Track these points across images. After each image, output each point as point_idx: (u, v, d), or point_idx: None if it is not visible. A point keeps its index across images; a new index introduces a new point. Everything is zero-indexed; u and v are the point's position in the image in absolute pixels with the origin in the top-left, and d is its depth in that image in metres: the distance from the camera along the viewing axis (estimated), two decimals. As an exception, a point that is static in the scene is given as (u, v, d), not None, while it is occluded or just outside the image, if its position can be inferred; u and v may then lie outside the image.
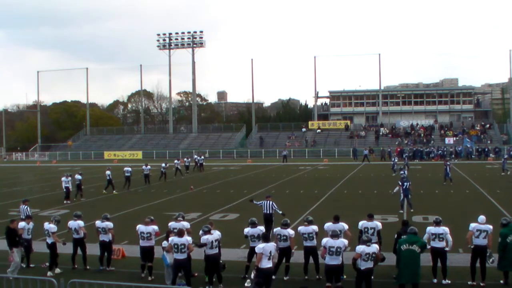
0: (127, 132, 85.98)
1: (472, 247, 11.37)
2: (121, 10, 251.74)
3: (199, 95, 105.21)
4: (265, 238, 10.63)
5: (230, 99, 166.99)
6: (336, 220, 12.10)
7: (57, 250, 12.85)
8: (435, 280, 11.38)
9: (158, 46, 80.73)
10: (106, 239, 12.94)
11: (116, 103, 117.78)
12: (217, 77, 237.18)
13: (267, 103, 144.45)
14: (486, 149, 57.36)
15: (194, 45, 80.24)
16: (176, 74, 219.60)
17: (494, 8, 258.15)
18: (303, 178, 37.86)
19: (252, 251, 11.46)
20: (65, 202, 25.38)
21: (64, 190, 25.93)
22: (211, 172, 44.27)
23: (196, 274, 11.84)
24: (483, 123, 71.07)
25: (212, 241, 11.18)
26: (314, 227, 11.94)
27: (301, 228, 12.01)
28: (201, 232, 11.49)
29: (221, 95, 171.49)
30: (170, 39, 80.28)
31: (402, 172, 26.56)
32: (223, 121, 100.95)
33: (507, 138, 65.14)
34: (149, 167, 34.04)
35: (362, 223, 12.30)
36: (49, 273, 12.27)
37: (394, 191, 22.56)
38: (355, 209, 20.47)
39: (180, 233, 11.18)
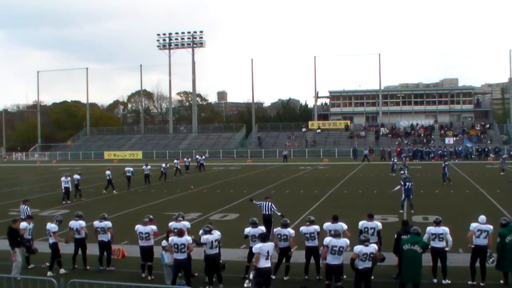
0: (127, 132, 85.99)
1: (472, 246, 11.37)
2: (121, 10, 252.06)
3: (199, 95, 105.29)
4: (263, 238, 10.60)
5: (230, 99, 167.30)
6: (335, 220, 12.11)
7: (60, 250, 12.83)
8: (435, 280, 11.38)
9: (158, 46, 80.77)
10: (105, 239, 12.94)
11: (116, 103, 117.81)
12: (217, 77, 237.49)
13: (267, 103, 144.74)
14: (486, 149, 57.37)
15: (194, 45, 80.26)
16: (176, 74, 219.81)
17: (494, 8, 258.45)
18: (303, 178, 37.87)
19: (252, 251, 11.46)
20: (64, 202, 25.36)
21: (63, 190, 25.92)
22: (211, 172, 44.27)
23: (196, 274, 11.84)
24: (483, 123, 71.08)
25: (212, 241, 11.18)
26: (316, 227, 11.96)
27: (303, 228, 12.02)
28: (201, 231, 11.50)
29: (221, 95, 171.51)
30: (170, 39, 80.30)
31: (402, 171, 26.58)
32: (223, 121, 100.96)
33: (507, 138, 65.14)
34: (149, 167, 34.04)
35: (362, 223, 12.30)
36: (49, 273, 12.27)
37: (395, 189, 22.55)
38: (355, 209, 20.46)
39: (180, 233, 11.18)
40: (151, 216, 13.10)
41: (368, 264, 10.11)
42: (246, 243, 13.07)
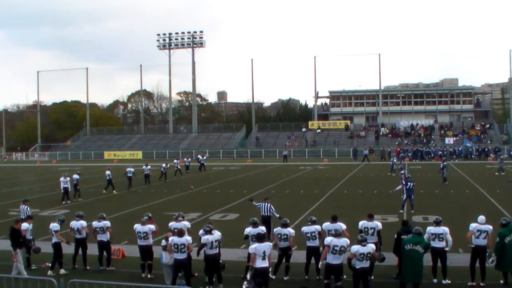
0: (127, 132, 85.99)
1: (472, 246, 11.38)
2: (121, 10, 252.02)
3: (199, 95, 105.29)
4: (259, 238, 10.57)
5: (230, 99, 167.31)
6: (334, 220, 12.11)
7: (62, 250, 12.82)
8: (435, 280, 11.38)
9: (158, 46, 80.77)
10: (105, 239, 12.94)
11: (116, 103, 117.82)
12: (217, 77, 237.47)
13: (267, 103, 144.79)
14: (486, 149, 57.37)
15: (194, 45, 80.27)
16: (176, 74, 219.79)
17: (494, 8, 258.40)
18: (303, 178, 37.87)
19: (251, 252, 11.47)
20: (63, 202, 25.36)
21: (62, 190, 25.91)
22: (211, 172, 44.27)
23: (196, 274, 11.85)
24: (483, 123, 71.09)
25: (212, 241, 11.18)
26: (317, 227, 11.97)
27: (305, 228, 12.03)
28: (201, 231, 11.50)
29: (221, 95, 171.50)
30: (170, 39, 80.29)
31: (402, 171, 26.54)
32: (223, 121, 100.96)
33: (507, 138, 65.15)
34: (149, 167, 34.06)
35: (362, 223, 12.30)
36: (49, 273, 12.28)
37: (396, 189, 22.55)
38: (355, 209, 20.47)
39: (180, 233, 11.19)
40: (149, 214, 13.10)
41: (366, 264, 10.10)
42: (246, 243, 13.05)
